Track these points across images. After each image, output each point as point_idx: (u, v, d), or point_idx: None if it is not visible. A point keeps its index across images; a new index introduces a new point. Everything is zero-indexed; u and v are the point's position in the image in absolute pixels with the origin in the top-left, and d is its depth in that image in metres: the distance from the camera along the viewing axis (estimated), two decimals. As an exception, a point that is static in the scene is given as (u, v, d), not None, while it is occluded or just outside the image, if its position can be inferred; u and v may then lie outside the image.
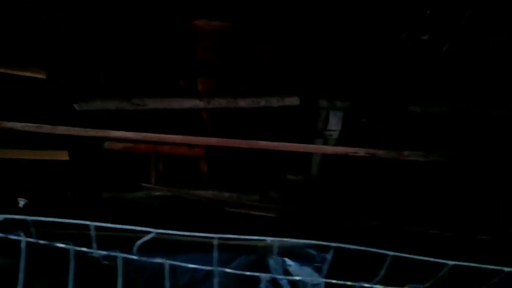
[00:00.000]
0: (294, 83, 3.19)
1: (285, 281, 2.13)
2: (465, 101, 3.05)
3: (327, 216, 3.22)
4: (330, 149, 3.19)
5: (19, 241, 1.12)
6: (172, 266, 1.25)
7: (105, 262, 1.14)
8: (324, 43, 3.00)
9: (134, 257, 1.07)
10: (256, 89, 3.22)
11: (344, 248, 1.19)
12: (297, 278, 2.07)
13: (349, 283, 1.19)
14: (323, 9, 2.82)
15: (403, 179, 3.17)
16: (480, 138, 3.10)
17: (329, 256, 2.07)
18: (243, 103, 3.23)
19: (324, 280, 1.60)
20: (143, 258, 1.11)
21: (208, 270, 1.23)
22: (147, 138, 3.20)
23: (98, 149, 3.30)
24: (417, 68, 2.96)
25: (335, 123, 3.19)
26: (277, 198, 3.39)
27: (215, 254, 1.12)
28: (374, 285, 1.18)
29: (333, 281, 1.31)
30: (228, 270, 1.20)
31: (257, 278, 1.24)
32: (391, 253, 1.07)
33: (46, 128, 3.06)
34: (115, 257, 1.18)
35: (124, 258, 1.19)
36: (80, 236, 1.20)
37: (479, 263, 1.28)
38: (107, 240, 1.40)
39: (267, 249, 2.36)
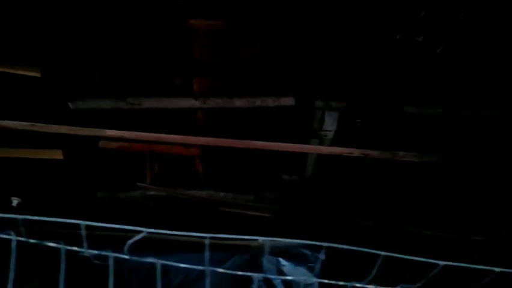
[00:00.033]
0: (290, 83, 3.19)
1: (279, 280, 2.13)
2: (459, 102, 3.07)
3: (322, 216, 3.23)
4: (325, 149, 3.19)
5: (10, 240, 1.12)
6: (165, 266, 1.24)
7: (96, 261, 1.13)
8: (320, 44, 3.00)
9: (126, 257, 1.07)
10: (252, 88, 3.22)
11: (337, 248, 1.19)
12: (289, 277, 2.07)
13: (341, 283, 1.20)
14: (318, 10, 2.83)
15: (398, 179, 3.18)
16: (474, 139, 3.12)
17: (322, 256, 2.08)
18: (238, 103, 3.23)
19: (318, 280, 1.60)
20: (135, 258, 1.10)
21: (202, 270, 1.23)
22: (142, 138, 3.19)
23: (93, 148, 3.28)
24: (412, 69, 2.97)
25: (330, 124, 3.20)
26: (272, 198, 3.39)
27: (207, 254, 1.12)
28: (366, 285, 1.18)
29: (326, 281, 1.31)
30: (220, 270, 1.20)
31: (250, 278, 1.24)
32: (383, 253, 1.07)
33: (40, 127, 3.04)
34: (107, 257, 1.17)
35: (116, 258, 1.19)
36: (73, 235, 1.19)
37: (473, 264, 1.29)
38: (100, 239, 1.39)
39: (261, 249, 2.36)
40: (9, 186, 3.20)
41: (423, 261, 1.28)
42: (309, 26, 2.93)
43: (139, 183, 3.35)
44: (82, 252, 1.10)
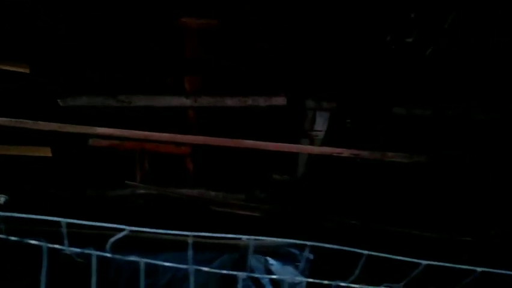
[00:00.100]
0: (281, 83, 3.20)
1: (267, 280, 2.14)
2: (448, 103, 3.10)
3: (312, 216, 3.24)
4: (316, 149, 3.21)
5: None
6: (154, 265, 1.24)
7: (79, 260, 1.12)
8: (311, 45, 3.01)
9: (108, 255, 1.06)
10: (244, 88, 3.23)
11: (326, 247, 1.19)
12: (274, 276, 2.07)
13: (325, 282, 1.20)
14: (309, 11, 2.84)
15: (387, 180, 3.20)
16: (463, 140, 3.15)
17: (310, 255, 2.08)
18: (230, 102, 3.23)
19: (305, 279, 1.60)
20: (118, 256, 1.10)
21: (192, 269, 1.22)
22: (133, 136, 3.18)
23: (83, 146, 3.26)
24: (401, 70, 2.99)
25: (321, 124, 3.21)
26: (263, 197, 3.39)
27: (190, 252, 1.12)
28: (350, 284, 1.18)
29: (311, 280, 1.31)
30: (204, 268, 1.20)
31: (237, 277, 1.24)
32: (366, 252, 1.08)
33: (29, 124, 3.01)
34: (91, 255, 1.16)
35: (101, 257, 1.18)
36: (60, 234, 1.18)
37: (461, 264, 1.30)
38: (87, 238, 1.38)
39: (248, 248, 2.36)
40: (-4, 184, 3.16)
41: (410, 261, 1.28)
42: (300, 28, 2.95)
43: (128, 182, 3.33)
44: (64, 250, 1.09)
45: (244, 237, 1.12)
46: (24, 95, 3.15)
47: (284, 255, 2.41)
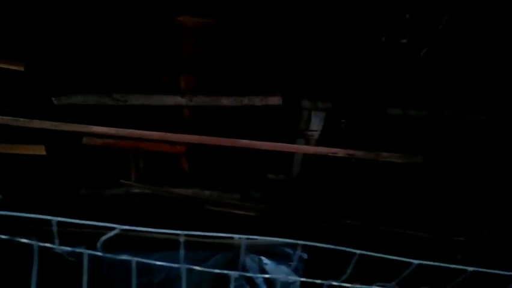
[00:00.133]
0: (277, 82, 3.20)
1: (261, 279, 2.14)
2: (443, 104, 3.11)
3: (307, 215, 3.24)
4: (311, 149, 3.21)
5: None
6: (148, 264, 1.23)
7: (70, 258, 1.12)
8: (307, 45, 3.01)
9: (99, 254, 1.06)
10: (240, 87, 3.22)
11: (322, 248, 1.19)
12: (267, 275, 2.07)
13: (318, 281, 1.20)
14: (305, 12, 2.84)
15: (382, 180, 3.21)
16: (457, 141, 3.16)
17: (304, 255, 2.09)
18: (225, 101, 3.22)
19: (299, 279, 1.60)
20: (109, 255, 1.09)
21: (185, 268, 1.22)
22: (127, 135, 3.16)
23: (77, 144, 3.24)
24: (397, 70, 3.00)
25: (316, 124, 3.21)
26: (258, 197, 3.39)
27: (181, 251, 1.11)
28: (343, 284, 1.19)
29: (303, 279, 1.32)
30: (197, 268, 1.20)
31: (232, 276, 1.24)
32: (358, 251, 1.08)
33: (23, 122, 2.99)
34: (82, 254, 1.15)
35: (96, 257, 1.17)
36: (52, 233, 1.17)
37: (454, 264, 1.31)
38: (81, 237, 1.37)
39: (244, 248, 2.36)
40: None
41: (403, 261, 1.29)
42: (296, 28, 2.95)
43: (123, 181, 3.32)
44: (55, 249, 1.08)
45: (236, 236, 1.12)
46: (18, 93, 3.13)
47: (279, 255, 2.41)
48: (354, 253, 1.17)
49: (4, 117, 2.97)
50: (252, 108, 3.21)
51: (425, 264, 1.25)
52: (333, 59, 3.02)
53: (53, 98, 3.13)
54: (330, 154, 3.04)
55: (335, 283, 1.19)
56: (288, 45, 3.06)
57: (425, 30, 2.74)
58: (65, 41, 3.09)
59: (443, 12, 2.62)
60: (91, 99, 3.19)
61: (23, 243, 1.15)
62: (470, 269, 1.16)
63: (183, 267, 1.15)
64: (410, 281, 1.35)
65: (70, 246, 1.17)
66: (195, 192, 3.40)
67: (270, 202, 3.34)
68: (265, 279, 2.19)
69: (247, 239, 1.12)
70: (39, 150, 3.24)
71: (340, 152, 3.03)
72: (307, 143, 3.26)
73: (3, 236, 1.11)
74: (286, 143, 3.21)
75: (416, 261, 1.13)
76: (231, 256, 2.32)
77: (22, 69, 3.09)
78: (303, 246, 1.24)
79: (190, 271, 1.25)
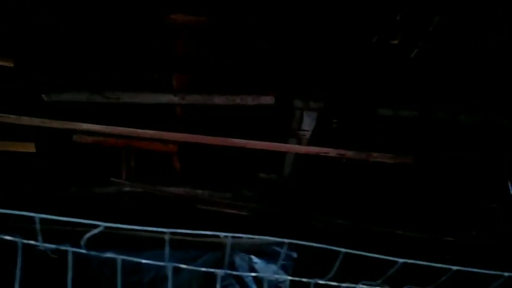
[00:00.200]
0: (270, 82, 3.20)
1: (250, 278, 2.14)
2: (434, 105, 3.14)
3: (299, 215, 3.25)
4: (302, 149, 3.22)
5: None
6: (137, 263, 1.23)
7: (53, 256, 1.11)
8: (299, 45, 3.02)
9: (83, 251, 1.05)
10: (232, 86, 3.22)
11: (314, 247, 1.19)
12: (255, 274, 2.07)
13: (304, 280, 1.21)
14: (297, 12, 2.84)
15: (372, 180, 3.23)
16: (447, 142, 3.19)
17: (293, 254, 2.09)
18: (218, 100, 3.22)
19: (286, 277, 1.61)
20: (93, 253, 1.08)
21: (175, 267, 1.22)
22: (118, 132, 3.14)
23: (67, 142, 3.21)
24: (388, 71, 3.02)
25: (308, 124, 3.22)
26: (249, 196, 3.39)
27: (167, 249, 1.11)
28: (329, 282, 1.19)
29: (290, 278, 1.32)
30: (183, 266, 1.19)
31: (223, 275, 1.24)
32: (343, 250, 1.09)
33: (12, 119, 2.96)
34: (66, 251, 1.14)
35: (82, 255, 1.16)
36: (44, 231, 1.16)
37: (442, 263, 1.32)
38: (67, 235, 1.36)
39: (234, 247, 2.36)
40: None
41: (391, 260, 1.29)
42: (289, 28, 2.95)
43: (114, 179, 3.29)
44: (39, 246, 1.07)
45: (222, 234, 1.12)
46: (8, 89, 3.09)
47: (269, 254, 2.41)
48: (348, 253, 1.17)
49: (-7, 114, 2.93)
50: (244, 107, 3.21)
51: (413, 264, 1.26)
52: (325, 60, 3.03)
53: (43, 95, 3.10)
54: (321, 154, 3.05)
55: (321, 281, 1.19)
56: (281, 45, 3.06)
57: (416, 31, 2.76)
58: (57, 38, 3.06)
59: (434, 14, 2.64)
60: (82, 97, 3.17)
61: (7, 240, 1.13)
62: (454, 268, 1.17)
63: (169, 265, 1.14)
64: (398, 280, 1.36)
65: (56, 244, 1.16)
66: (186, 191, 3.39)
67: (262, 201, 3.34)
68: (255, 278, 2.19)
69: (234, 237, 1.12)
70: (29, 147, 3.21)
71: (331, 152, 3.04)
72: (299, 142, 3.27)
73: (-15, 233, 1.10)
74: (278, 142, 3.21)
75: (401, 260, 1.14)
76: (220, 255, 2.32)
77: (12, 65, 3.06)
78: (293, 245, 1.24)
79: (179, 270, 1.24)
